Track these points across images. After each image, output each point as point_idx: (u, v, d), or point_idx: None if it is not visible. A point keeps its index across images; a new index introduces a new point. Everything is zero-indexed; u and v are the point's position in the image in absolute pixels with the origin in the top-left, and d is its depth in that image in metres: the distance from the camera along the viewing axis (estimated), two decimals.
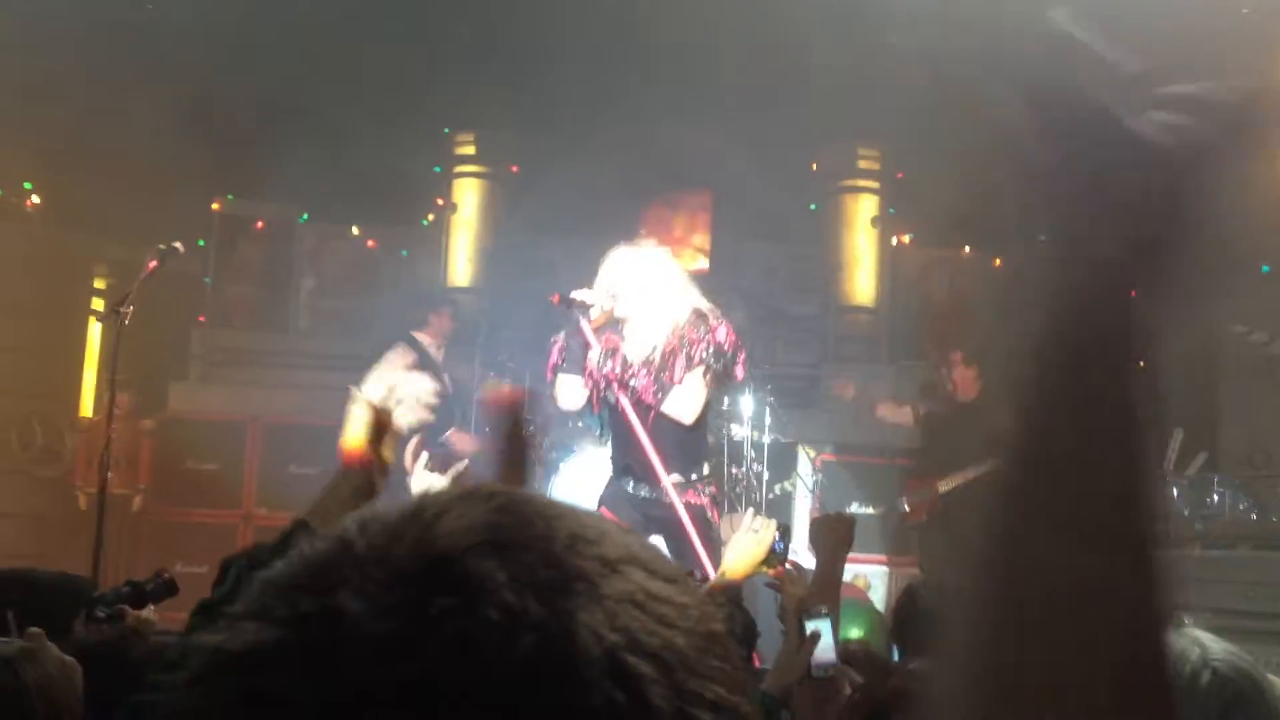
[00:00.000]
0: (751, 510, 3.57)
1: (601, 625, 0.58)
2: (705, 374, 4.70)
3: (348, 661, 0.56)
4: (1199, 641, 1.83)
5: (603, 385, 4.71)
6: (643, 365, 4.68)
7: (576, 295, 4.69)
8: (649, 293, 4.72)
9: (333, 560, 0.61)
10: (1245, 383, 8.50)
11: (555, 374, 4.84)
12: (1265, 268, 8.69)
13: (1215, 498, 6.74)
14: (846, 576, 7.84)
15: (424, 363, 7.59)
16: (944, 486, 7.27)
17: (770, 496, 8.41)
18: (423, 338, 8.04)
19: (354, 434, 2.52)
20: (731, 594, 3.14)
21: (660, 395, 4.65)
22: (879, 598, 7.99)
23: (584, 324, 4.67)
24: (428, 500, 0.64)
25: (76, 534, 6.41)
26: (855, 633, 5.56)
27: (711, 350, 4.67)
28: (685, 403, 4.69)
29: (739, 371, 4.81)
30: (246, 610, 0.60)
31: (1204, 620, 6.13)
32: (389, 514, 0.63)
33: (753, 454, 8.29)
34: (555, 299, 4.70)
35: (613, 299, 4.70)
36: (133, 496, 8.62)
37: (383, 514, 0.63)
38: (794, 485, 8.66)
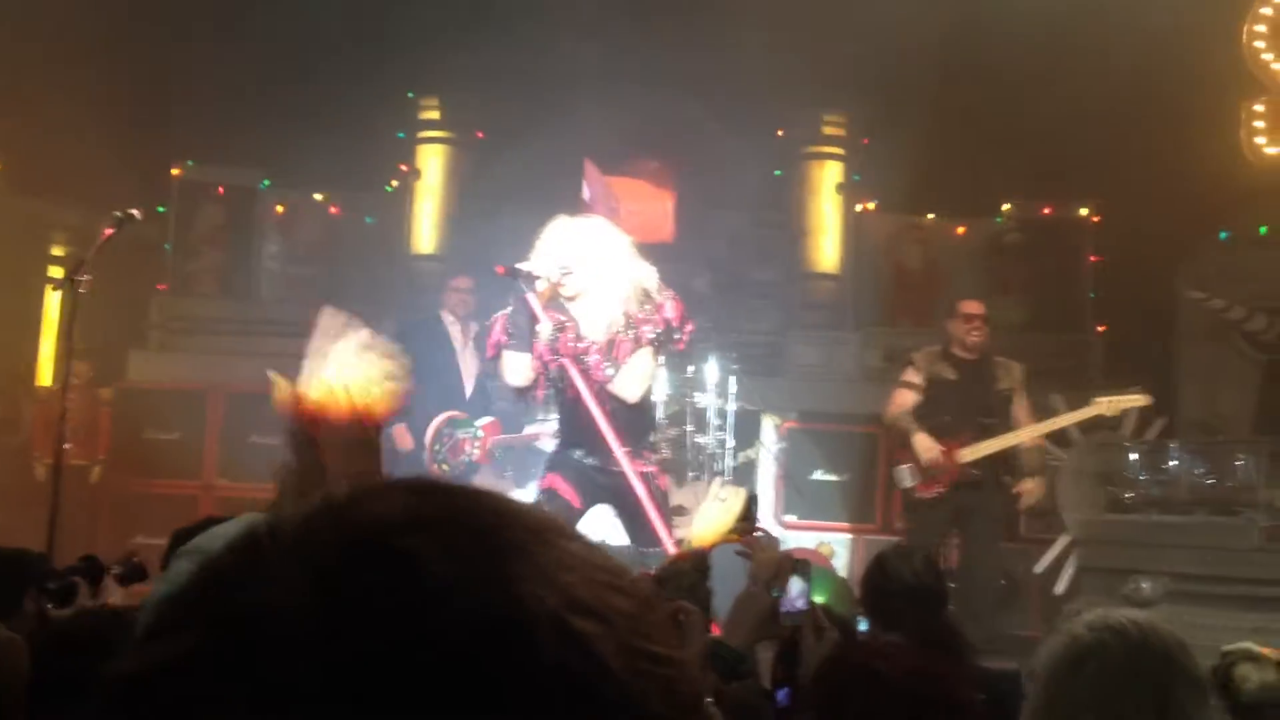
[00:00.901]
0: (719, 479, 3.58)
1: (542, 588, 0.57)
2: (653, 352, 4.69)
3: (267, 659, 0.54)
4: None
5: (551, 359, 4.66)
6: (593, 342, 4.63)
7: (523, 267, 4.56)
8: (597, 266, 4.63)
9: (241, 562, 0.59)
10: (1203, 349, 8.59)
11: (499, 350, 4.75)
12: (1223, 234, 8.78)
13: (1173, 463, 6.82)
14: (811, 544, 7.93)
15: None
16: (968, 455, 6.68)
17: (735, 464, 8.43)
18: (445, 315, 8.08)
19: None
20: (698, 562, 3.14)
21: (611, 373, 4.62)
22: (842, 565, 8.05)
23: (530, 297, 4.57)
24: (336, 495, 0.62)
25: (34, 505, 6.33)
26: (819, 600, 5.56)
27: (660, 331, 4.65)
28: (633, 381, 4.65)
29: (681, 344, 4.79)
30: (153, 629, 0.59)
31: (1162, 584, 6.23)
32: (297, 511, 0.62)
33: (718, 421, 8.30)
34: (501, 270, 4.58)
35: (560, 272, 4.61)
36: (91, 467, 8.55)
37: (291, 513, 0.61)
38: (758, 453, 8.70)
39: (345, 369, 2.51)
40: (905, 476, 6.83)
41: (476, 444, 7.48)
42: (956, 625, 3.90)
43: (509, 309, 4.67)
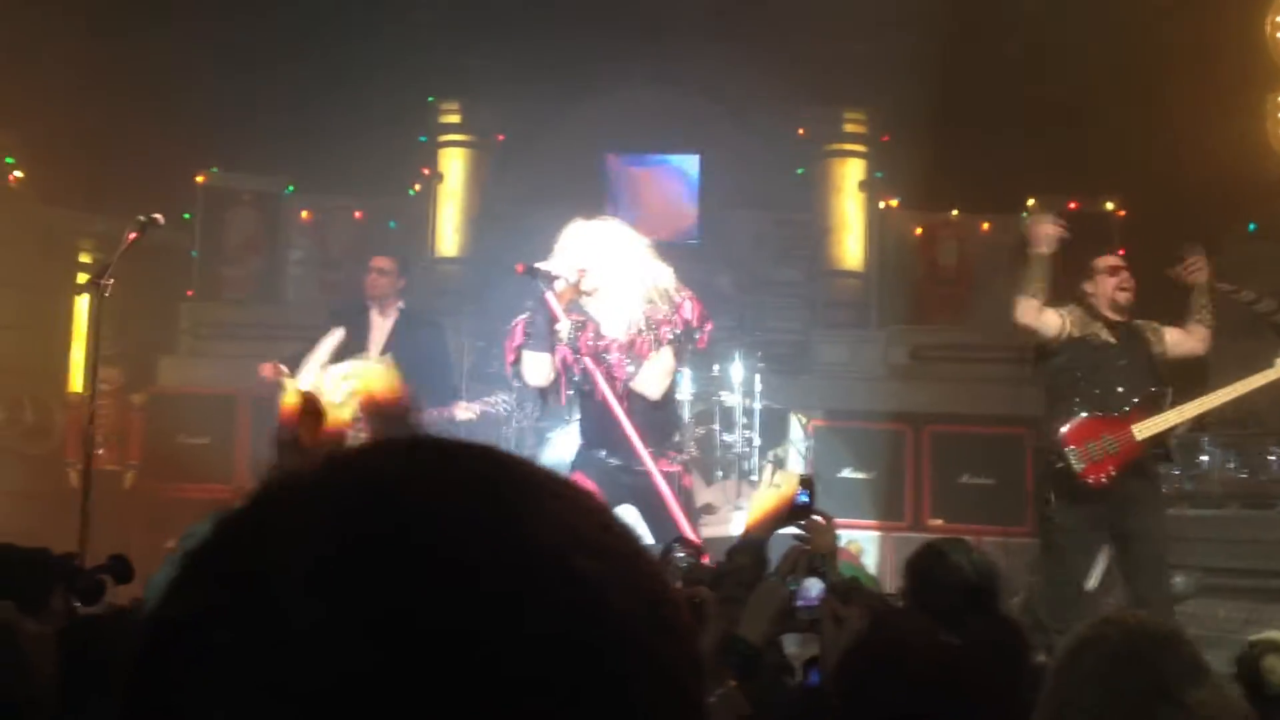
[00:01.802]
0: (771, 466, 3.55)
1: (545, 530, 0.61)
2: (674, 351, 4.69)
3: (288, 611, 0.56)
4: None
5: (572, 359, 4.67)
6: (614, 340, 4.64)
7: (542, 266, 4.56)
8: (615, 266, 4.64)
9: (258, 517, 0.62)
10: (1233, 341, 8.50)
11: (519, 353, 4.75)
12: (1252, 226, 8.70)
13: (1205, 457, 6.77)
14: (840, 542, 7.90)
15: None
16: (1142, 432, 5.67)
17: (763, 463, 8.42)
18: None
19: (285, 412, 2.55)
20: (755, 551, 3.12)
21: (632, 370, 4.62)
22: (871, 563, 8.02)
23: (549, 296, 4.57)
24: (343, 451, 0.65)
25: (67, 511, 6.37)
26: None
27: (680, 331, 4.66)
28: (654, 379, 4.65)
29: (702, 341, 4.80)
30: (175, 584, 0.61)
31: (1194, 579, 6.18)
32: (309, 467, 0.64)
33: (744, 421, 8.30)
34: (520, 269, 4.56)
35: (579, 272, 4.62)
36: (124, 472, 8.61)
37: (302, 469, 0.64)
38: (786, 452, 8.68)
39: (319, 381, 2.67)
40: (1073, 458, 5.45)
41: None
42: (1019, 624, 3.58)
43: (527, 312, 4.68)
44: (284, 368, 6.06)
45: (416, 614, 0.56)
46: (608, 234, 4.70)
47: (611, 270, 4.61)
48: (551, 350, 4.64)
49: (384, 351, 6.75)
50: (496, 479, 0.63)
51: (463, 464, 0.64)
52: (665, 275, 4.71)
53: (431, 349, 6.96)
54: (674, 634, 0.63)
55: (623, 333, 4.63)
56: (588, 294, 4.66)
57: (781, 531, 3.33)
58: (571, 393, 4.80)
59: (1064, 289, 9.78)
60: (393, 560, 0.57)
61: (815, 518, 3.39)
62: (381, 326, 7.05)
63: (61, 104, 8.46)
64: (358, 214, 10.60)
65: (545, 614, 0.58)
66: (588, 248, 4.60)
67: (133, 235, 5.43)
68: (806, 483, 3.38)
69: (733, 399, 8.32)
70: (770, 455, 8.43)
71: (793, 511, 3.31)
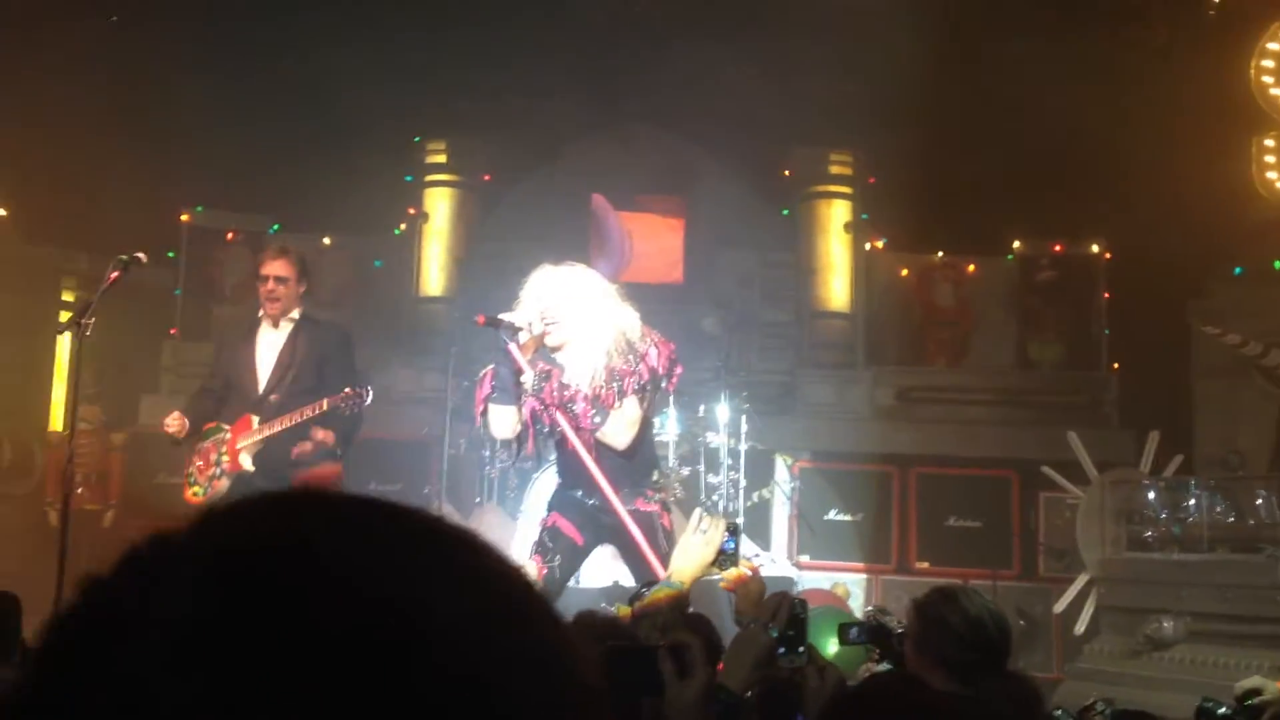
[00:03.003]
0: (699, 510, 3.51)
1: (424, 580, 0.60)
2: (640, 400, 4.66)
3: (147, 666, 0.55)
4: None
5: (540, 409, 4.63)
6: (578, 390, 4.60)
7: (505, 317, 4.53)
8: (580, 315, 4.61)
9: (125, 573, 0.61)
10: (1220, 385, 8.53)
11: (486, 404, 4.71)
12: (1238, 269, 8.74)
13: (1192, 500, 6.74)
14: (825, 584, 7.86)
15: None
16: None
17: (749, 504, 8.38)
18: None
19: None
20: (675, 599, 3.08)
21: (598, 421, 4.59)
22: (857, 605, 7.96)
23: (513, 348, 4.53)
24: (216, 508, 0.64)
25: (48, 551, 6.29)
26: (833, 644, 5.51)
27: (646, 380, 4.63)
28: (620, 430, 4.61)
29: (670, 385, 4.78)
30: (41, 640, 0.60)
31: (1183, 623, 6.15)
32: (182, 526, 0.63)
33: (729, 461, 8.26)
34: (481, 320, 4.55)
35: (543, 323, 4.59)
36: (104, 511, 8.52)
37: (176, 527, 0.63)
38: (772, 492, 8.64)
39: None
40: None
41: (224, 448, 5.87)
42: (1030, 678, 3.47)
43: (494, 364, 4.63)
44: (185, 422, 5.80)
45: (273, 682, 0.54)
46: (572, 281, 4.66)
47: (576, 319, 4.58)
48: (518, 402, 4.60)
49: (277, 368, 6.01)
50: (374, 531, 0.62)
51: (335, 520, 0.62)
52: (631, 321, 4.66)
53: (337, 353, 6.04)
54: (545, 668, 0.62)
55: (587, 382, 4.59)
56: (554, 348, 4.62)
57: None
58: (540, 442, 4.76)
59: (1056, 328, 9.89)
60: (257, 625, 0.55)
61: (742, 565, 3.36)
62: (272, 340, 6.13)
63: (45, 141, 8.42)
64: (343, 253, 10.55)
65: (419, 668, 0.56)
66: (552, 295, 4.57)
67: (115, 274, 5.38)
68: (733, 529, 3.36)
69: (718, 440, 8.28)
70: (755, 496, 8.40)
71: (718, 559, 3.29)
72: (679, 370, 4.71)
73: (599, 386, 4.57)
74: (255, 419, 5.78)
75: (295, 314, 6.13)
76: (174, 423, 5.84)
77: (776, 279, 10.80)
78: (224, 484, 5.79)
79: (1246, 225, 8.52)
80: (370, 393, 5.51)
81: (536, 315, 4.55)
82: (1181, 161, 8.20)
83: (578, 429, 4.55)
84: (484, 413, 4.72)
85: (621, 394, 4.56)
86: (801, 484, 8.71)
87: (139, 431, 9.03)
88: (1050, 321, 9.89)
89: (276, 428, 5.69)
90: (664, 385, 4.67)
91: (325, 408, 5.52)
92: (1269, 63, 8.94)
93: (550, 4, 9.03)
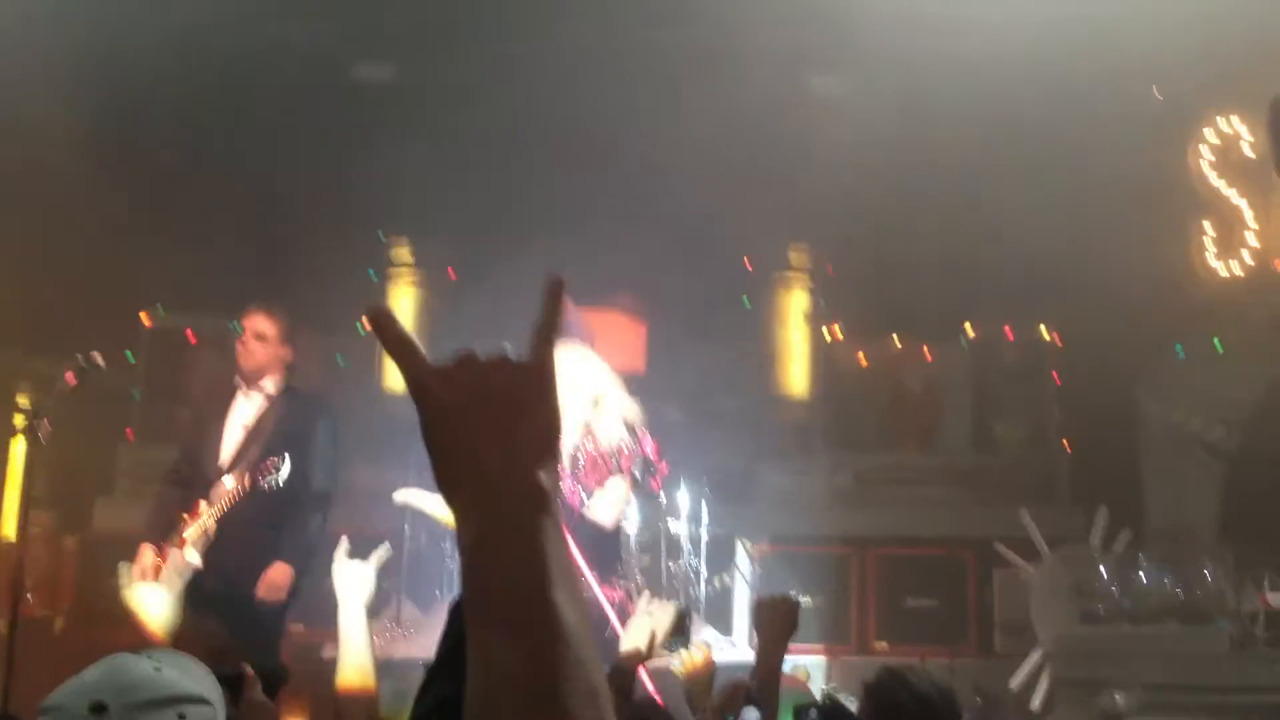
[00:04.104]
0: (647, 593, 3.55)
1: None
2: (629, 482, 4.72)
3: None
4: None
5: None
6: (563, 469, 4.67)
7: None
8: (572, 395, 4.71)
9: None
10: (1166, 461, 8.64)
11: None
12: (1179, 349, 8.91)
13: (1142, 574, 6.82)
14: (785, 667, 7.84)
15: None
16: None
17: (709, 591, 8.39)
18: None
19: None
20: (622, 679, 3.11)
21: (585, 500, 4.65)
22: (818, 688, 7.94)
23: None
24: None
25: None
26: None
27: (640, 462, 4.71)
28: (608, 508, 4.69)
29: (656, 484, 4.85)
30: None
31: (1135, 695, 6.18)
32: None
33: (690, 548, 8.28)
34: None
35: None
36: (54, 618, 8.42)
37: None
38: (733, 578, 8.65)
39: None
40: None
41: (175, 542, 5.29)
42: None
43: None
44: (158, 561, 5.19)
45: None
46: (578, 363, 4.78)
47: (581, 401, 4.67)
48: None
49: (244, 443, 5.41)
50: None
51: None
52: (631, 406, 4.77)
53: (315, 430, 5.50)
54: None
55: (569, 461, 4.65)
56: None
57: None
58: None
59: (1017, 410, 10.03)
60: None
61: (694, 649, 3.39)
62: (244, 411, 5.57)
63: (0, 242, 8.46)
64: (306, 351, 10.60)
65: None
66: (573, 379, 4.66)
67: (71, 376, 5.32)
68: (684, 612, 3.40)
69: (679, 527, 8.31)
70: (716, 582, 8.40)
71: (667, 640, 3.31)
72: (664, 466, 4.79)
73: (592, 458, 4.63)
74: (204, 504, 5.26)
75: (274, 382, 5.63)
76: (146, 565, 5.28)
77: (738, 367, 10.91)
78: (180, 581, 5.28)
79: (1187, 306, 8.71)
80: (286, 463, 5.01)
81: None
82: (1125, 245, 8.40)
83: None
84: None
85: (619, 470, 4.62)
86: (762, 569, 8.73)
87: (92, 536, 8.97)
88: (1011, 403, 10.05)
89: (212, 517, 5.18)
90: (653, 474, 4.74)
91: (248, 485, 5.06)
92: (1207, 149, 9.21)
93: (515, 107, 9.24)
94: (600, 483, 4.66)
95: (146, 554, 5.39)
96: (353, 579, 3.01)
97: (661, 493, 8.24)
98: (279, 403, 5.59)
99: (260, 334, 5.65)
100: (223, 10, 8.41)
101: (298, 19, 8.63)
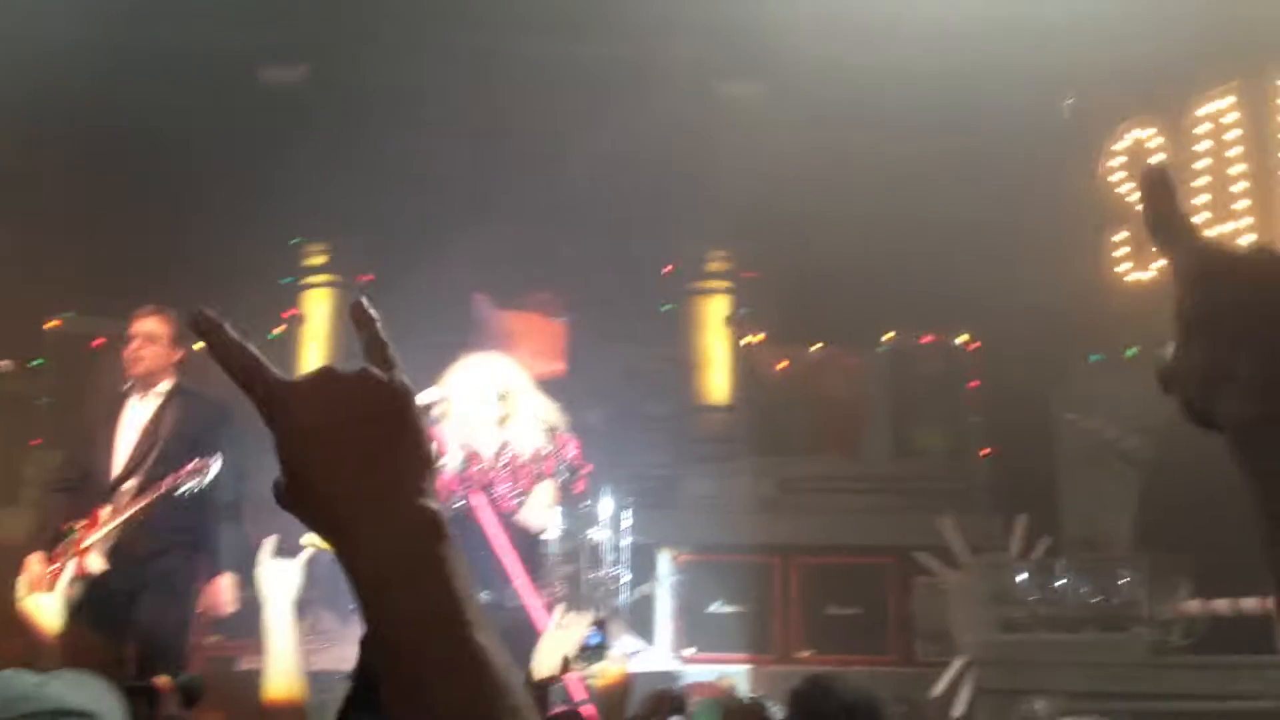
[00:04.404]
0: (562, 606, 3.52)
1: None
2: (556, 487, 4.74)
3: None
4: None
5: (457, 490, 4.67)
6: (497, 472, 4.67)
7: (424, 398, 4.60)
8: (501, 401, 4.75)
9: None
10: (1083, 468, 8.79)
11: None
12: (1093, 357, 9.08)
13: (1060, 581, 6.91)
14: (710, 677, 7.83)
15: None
16: None
17: (632, 599, 8.35)
18: None
19: None
20: (537, 693, 3.06)
21: (518, 503, 4.65)
22: (746, 697, 7.94)
23: (437, 429, 4.64)
24: None
25: None
26: None
27: (564, 466, 4.74)
28: (540, 510, 4.72)
29: (580, 485, 4.86)
30: None
31: (1055, 703, 6.25)
32: None
33: (612, 556, 8.23)
34: None
35: (473, 407, 4.69)
36: None
37: None
38: (654, 587, 8.63)
39: None
40: None
41: (72, 550, 5.01)
42: None
43: None
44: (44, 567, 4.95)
45: None
46: (493, 370, 4.80)
47: (495, 406, 4.68)
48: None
49: (138, 446, 5.14)
50: None
51: None
52: (551, 410, 4.81)
53: (216, 430, 5.17)
54: None
55: (510, 463, 4.68)
56: (469, 428, 4.69)
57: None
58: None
59: (936, 418, 10.14)
60: None
61: (608, 661, 3.37)
62: (138, 415, 5.32)
63: None
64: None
65: None
66: (478, 382, 4.68)
67: None
68: (600, 624, 3.38)
69: (601, 534, 8.26)
70: (637, 591, 8.37)
71: (583, 653, 3.29)
72: (587, 469, 4.81)
73: (522, 464, 4.65)
74: (104, 510, 4.97)
75: (166, 384, 5.40)
76: (35, 575, 5.01)
77: (659, 373, 10.91)
78: (76, 590, 4.95)
79: (1103, 313, 8.87)
80: (216, 462, 4.80)
81: (475, 400, 4.61)
82: (1042, 256, 8.53)
83: (494, 511, 4.58)
84: None
85: (540, 475, 4.64)
86: (685, 577, 8.71)
87: None
88: (931, 410, 10.16)
89: (121, 517, 4.90)
90: (575, 480, 4.77)
91: (170, 487, 4.81)
92: (1115, 162, 9.38)
93: (432, 111, 9.12)
94: (526, 488, 4.66)
95: (34, 564, 5.13)
96: (279, 578, 2.93)
97: (588, 497, 8.21)
98: (174, 404, 5.36)
99: (151, 336, 5.45)
100: (135, 9, 8.19)
101: (211, 19, 8.45)
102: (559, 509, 7.65)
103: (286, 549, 3.11)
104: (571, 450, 4.78)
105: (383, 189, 9.37)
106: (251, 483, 5.21)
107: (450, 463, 4.64)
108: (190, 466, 4.81)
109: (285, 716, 2.80)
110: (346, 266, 10.54)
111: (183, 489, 4.80)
